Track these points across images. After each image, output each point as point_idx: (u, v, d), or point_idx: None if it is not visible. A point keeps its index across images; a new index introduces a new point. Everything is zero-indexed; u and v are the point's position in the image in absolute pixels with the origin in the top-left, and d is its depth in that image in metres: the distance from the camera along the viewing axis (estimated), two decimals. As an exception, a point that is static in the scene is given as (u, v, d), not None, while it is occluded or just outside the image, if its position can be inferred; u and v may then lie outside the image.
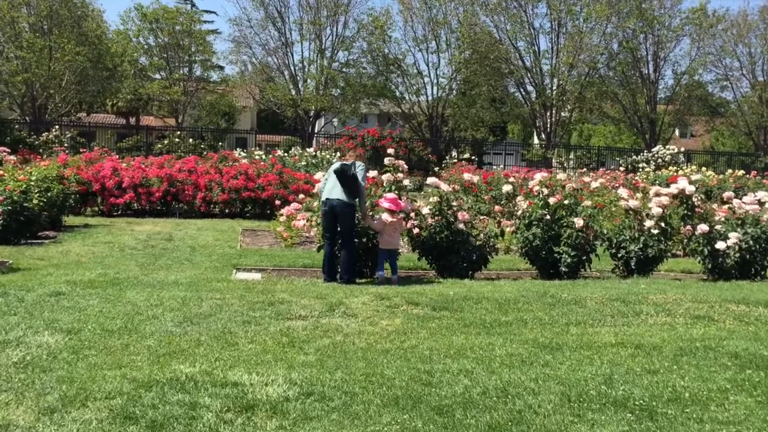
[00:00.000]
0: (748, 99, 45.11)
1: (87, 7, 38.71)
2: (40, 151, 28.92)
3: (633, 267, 9.12)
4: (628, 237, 9.14)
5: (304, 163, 27.70)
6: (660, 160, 35.52)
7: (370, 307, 6.46)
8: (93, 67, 36.57)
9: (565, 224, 8.83)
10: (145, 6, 41.28)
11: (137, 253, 9.66)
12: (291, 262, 9.61)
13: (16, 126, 33.53)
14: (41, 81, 35.38)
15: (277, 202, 13.94)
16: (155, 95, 41.42)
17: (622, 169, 32.84)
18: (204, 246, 10.72)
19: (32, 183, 11.18)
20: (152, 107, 44.12)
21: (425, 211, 8.88)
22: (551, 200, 8.98)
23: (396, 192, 8.72)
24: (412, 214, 8.92)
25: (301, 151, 30.28)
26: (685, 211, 9.48)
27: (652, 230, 8.96)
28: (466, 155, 37.56)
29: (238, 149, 31.42)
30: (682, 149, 38.00)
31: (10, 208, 10.02)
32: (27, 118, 36.52)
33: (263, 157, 25.10)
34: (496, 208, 11.76)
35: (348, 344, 5.17)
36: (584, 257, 8.83)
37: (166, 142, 34.95)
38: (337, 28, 42.32)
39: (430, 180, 8.77)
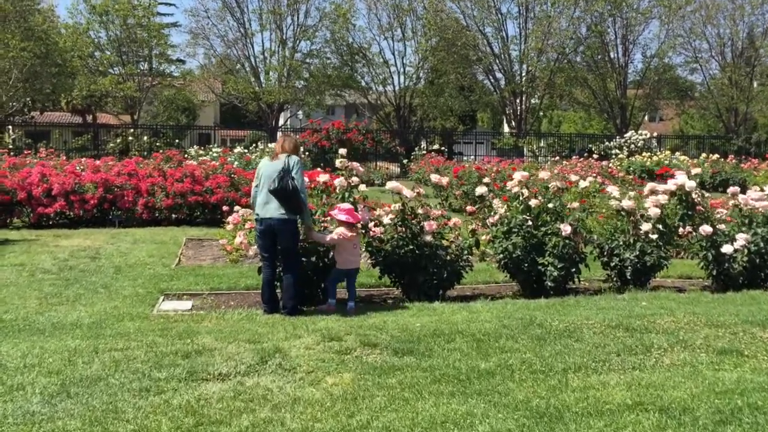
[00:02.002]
0: (718, 81, 44.42)
1: (33, 0, 36.46)
2: (-20, 154, 27.01)
3: (628, 277, 7.86)
4: (621, 243, 7.88)
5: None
6: (633, 145, 34.61)
7: (314, 353, 5.09)
8: (41, 63, 34.46)
9: (550, 231, 7.53)
10: (94, -3, 39.20)
11: (47, 279, 8.17)
12: (232, 283, 8.20)
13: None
14: (-17, 79, 33.25)
15: (226, 208, 12.46)
16: (108, 91, 39.40)
17: (595, 156, 31.83)
18: (133, 265, 9.24)
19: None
20: (106, 104, 42.05)
21: (386, 220, 7.52)
22: (533, 203, 7.68)
23: (351, 200, 7.34)
24: (371, 224, 7.56)
25: (262, 147, 28.77)
26: (685, 210, 8.24)
27: (650, 235, 7.70)
28: (436, 146, 36.34)
29: (194, 146, 29.75)
30: (655, 134, 37.09)
31: None
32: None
33: (221, 153, 23.52)
34: (468, 208, 10.45)
35: (275, 425, 3.79)
36: (573, 269, 7.55)
37: (119, 140, 33.12)
38: (298, 17, 40.70)
39: (390, 185, 7.40)
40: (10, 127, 36.94)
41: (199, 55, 53.25)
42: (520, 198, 7.78)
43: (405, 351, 5.15)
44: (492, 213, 8.11)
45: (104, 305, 6.81)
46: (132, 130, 34.45)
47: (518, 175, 7.80)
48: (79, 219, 13.86)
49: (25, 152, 27.58)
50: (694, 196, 8.30)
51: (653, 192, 8.13)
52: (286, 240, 6.59)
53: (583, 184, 8.71)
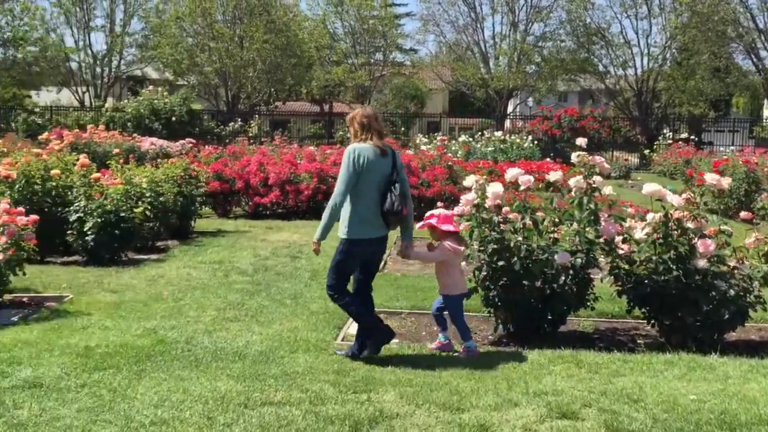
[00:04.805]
0: None
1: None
2: (226, 141, 28.57)
3: None
4: None
5: (491, 148, 24.72)
6: None
7: (535, 441, 3.46)
8: (282, 55, 35.99)
9: None
10: (330, -12, 40.35)
11: (238, 283, 7.34)
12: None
13: (205, 117, 33.65)
14: (232, 71, 35.37)
15: (440, 204, 11.09)
16: (341, 81, 40.37)
17: None
18: (332, 269, 8.18)
19: (144, 187, 9.37)
20: (339, 93, 43.26)
21: (640, 234, 5.60)
22: None
23: (590, 206, 5.54)
24: (618, 239, 5.69)
25: (488, 136, 27.28)
26: None
27: None
28: (684, 134, 32.28)
29: (419, 135, 29.06)
30: None
31: (100, 220, 8.16)
32: (224, 108, 36.85)
33: (440, 143, 22.41)
34: (743, 214, 8.06)
35: None
36: None
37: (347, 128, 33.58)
38: (532, -2, 38.49)
39: (649, 188, 5.46)
40: (257, 116, 39.22)
41: (429, 42, 53.19)
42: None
43: (679, 455, 3.33)
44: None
45: (283, 325, 5.71)
46: (360, 119, 34.71)
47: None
48: (294, 210, 13.39)
49: (263, 140, 28.83)
50: None
51: None
52: (379, 262, 5.28)
53: None
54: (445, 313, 5.40)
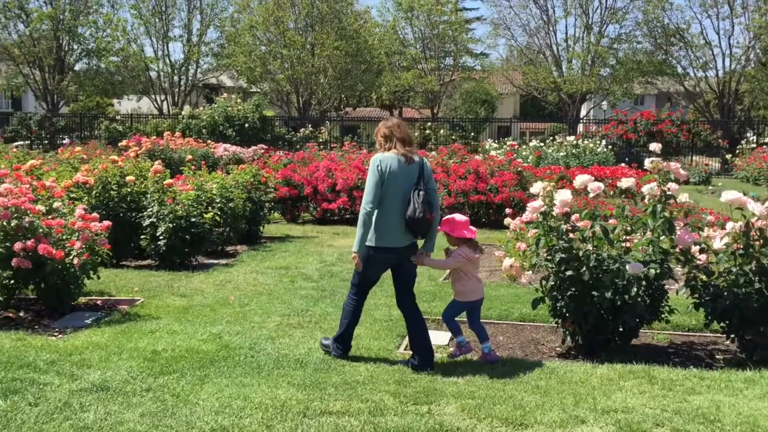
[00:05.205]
0: None
1: (346, 0, 38.57)
2: (297, 147, 28.98)
3: None
4: None
5: (563, 153, 24.24)
6: None
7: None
8: (352, 61, 36.30)
9: None
10: (402, -6, 40.42)
11: (303, 289, 7.37)
12: (503, 310, 6.62)
13: (277, 123, 34.20)
14: (303, 77, 35.87)
15: (508, 210, 10.89)
16: (411, 86, 40.39)
17: None
18: (397, 276, 8.13)
19: (214, 193, 9.56)
20: (408, 99, 43.29)
21: (718, 244, 5.32)
22: None
23: (664, 214, 5.29)
24: (695, 249, 5.43)
25: (560, 140, 26.75)
26: None
27: None
28: (768, 139, 30.83)
29: (489, 140, 28.73)
30: None
31: (172, 225, 8.35)
32: (295, 114, 37.42)
33: (510, 148, 22.10)
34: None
35: None
36: None
37: (416, 134, 33.51)
38: (606, -1, 37.57)
39: (728, 196, 5.17)
40: (327, 122, 39.77)
41: (500, 46, 52.76)
42: None
43: (759, 481, 3.11)
44: None
45: (346, 332, 5.68)
46: (430, 124, 34.67)
47: None
48: (361, 215, 13.41)
49: (332, 145, 29.10)
50: None
51: None
52: (411, 272, 5.06)
53: None
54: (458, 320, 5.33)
